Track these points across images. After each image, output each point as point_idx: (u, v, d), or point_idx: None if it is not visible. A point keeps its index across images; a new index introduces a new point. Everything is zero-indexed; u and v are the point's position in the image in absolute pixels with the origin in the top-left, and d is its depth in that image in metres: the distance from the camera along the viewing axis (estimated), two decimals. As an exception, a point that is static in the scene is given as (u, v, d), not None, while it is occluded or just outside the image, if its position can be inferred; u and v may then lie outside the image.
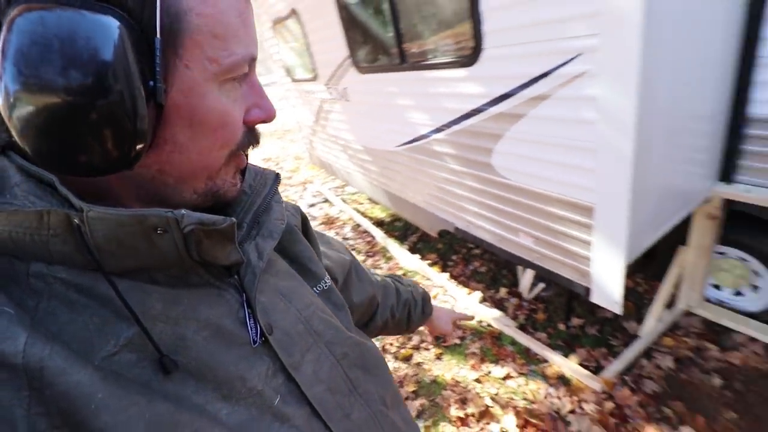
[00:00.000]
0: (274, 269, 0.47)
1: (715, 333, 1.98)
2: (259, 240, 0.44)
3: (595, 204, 1.37)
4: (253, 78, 0.38)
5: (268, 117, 0.39)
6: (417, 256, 3.11)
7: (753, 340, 1.88)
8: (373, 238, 3.58)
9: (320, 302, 0.51)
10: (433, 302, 0.95)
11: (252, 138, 0.39)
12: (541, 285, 1.92)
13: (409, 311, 0.84)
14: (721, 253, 1.95)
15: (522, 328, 2.29)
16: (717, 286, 2.06)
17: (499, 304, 2.50)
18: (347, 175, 3.49)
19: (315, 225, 3.86)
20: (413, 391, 2.07)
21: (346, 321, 0.54)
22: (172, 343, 0.34)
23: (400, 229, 3.65)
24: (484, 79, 1.52)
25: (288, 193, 5.22)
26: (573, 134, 1.33)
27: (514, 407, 1.88)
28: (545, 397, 1.90)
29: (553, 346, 2.13)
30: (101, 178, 0.33)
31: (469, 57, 1.51)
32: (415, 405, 1.98)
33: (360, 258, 3.35)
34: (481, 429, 1.83)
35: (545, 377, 2.00)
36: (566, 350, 2.10)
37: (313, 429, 0.42)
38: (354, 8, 2.10)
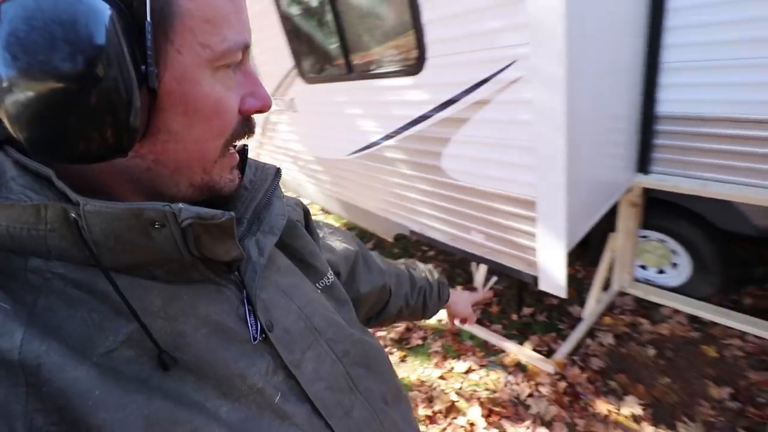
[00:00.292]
0: (275, 265, 0.47)
1: (646, 309, 2.21)
2: (259, 236, 0.43)
3: (537, 198, 1.49)
4: (247, 66, 0.37)
5: (264, 106, 0.38)
6: (374, 263, 3.14)
7: (677, 311, 2.12)
8: (329, 248, 3.56)
9: (322, 299, 0.50)
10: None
11: (247, 127, 0.39)
12: (494, 279, 2.03)
13: (424, 298, 0.83)
14: (644, 237, 2.19)
15: (479, 322, 2.40)
16: (643, 267, 2.31)
17: (456, 302, 2.59)
18: (298, 187, 3.45)
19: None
20: (380, 396, 2.08)
21: (349, 317, 0.54)
22: (171, 339, 0.34)
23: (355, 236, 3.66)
24: (429, 87, 1.61)
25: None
26: (513, 135, 1.45)
27: (478, 399, 1.96)
28: (505, 385, 2.00)
29: (509, 336, 2.25)
30: (97, 171, 0.33)
31: (415, 66, 1.59)
32: (383, 409, 1.99)
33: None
34: (449, 424, 1.89)
35: (504, 366, 2.10)
36: (520, 338, 2.23)
37: (314, 427, 0.42)
38: (298, 19, 2.12)
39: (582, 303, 2.26)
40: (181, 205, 0.31)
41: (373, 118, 1.97)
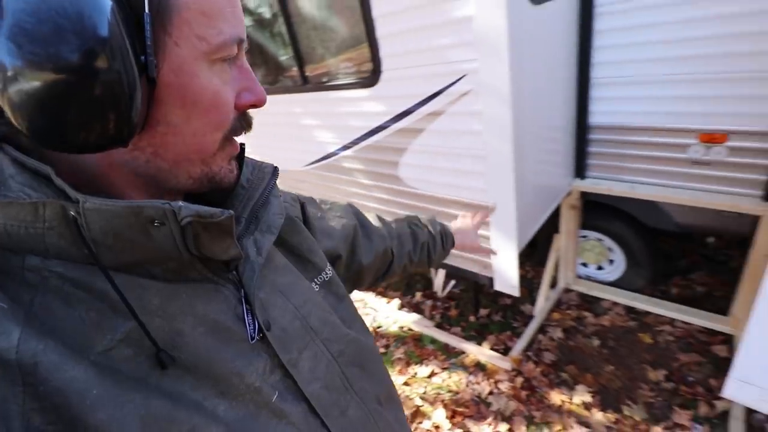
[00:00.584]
0: (273, 264, 0.47)
1: (589, 303, 2.39)
2: (257, 235, 0.43)
3: (489, 202, 1.58)
4: (243, 62, 0.38)
5: (259, 101, 0.38)
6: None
7: (615, 304, 2.32)
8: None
9: (319, 298, 0.50)
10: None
11: (244, 122, 0.39)
12: (452, 282, 2.11)
13: (428, 252, 0.83)
14: (584, 237, 2.38)
15: (439, 326, 2.46)
16: (584, 264, 2.50)
17: (416, 308, 2.65)
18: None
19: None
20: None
21: (346, 313, 0.54)
22: (169, 338, 0.34)
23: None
24: (385, 99, 1.66)
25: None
26: (466, 144, 1.54)
27: (442, 401, 2.01)
28: (467, 385, 2.07)
29: (468, 338, 2.33)
30: (96, 166, 0.33)
31: (370, 78, 1.64)
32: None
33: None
34: (415, 429, 1.91)
35: (465, 367, 2.17)
36: (479, 339, 2.32)
37: (310, 426, 0.42)
38: (250, 30, 2.10)
39: (533, 301, 2.40)
40: (180, 203, 0.32)
41: (329, 129, 2.00)
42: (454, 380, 2.11)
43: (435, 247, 0.85)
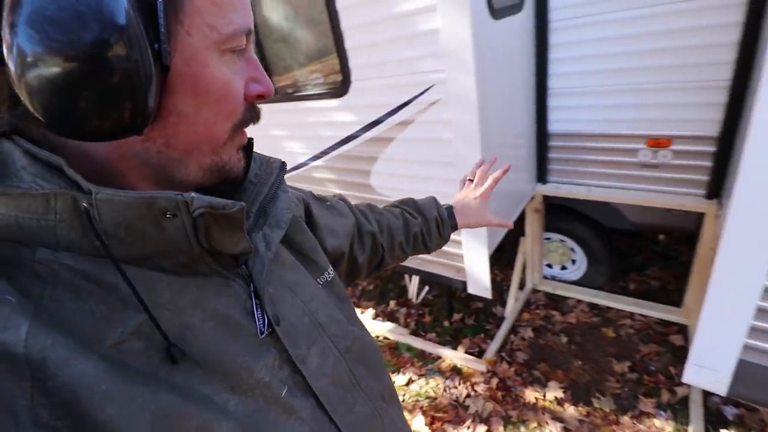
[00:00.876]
0: (281, 260, 0.47)
1: (555, 302, 2.49)
2: (266, 230, 0.43)
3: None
4: (250, 53, 0.38)
5: (267, 92, 0.39)
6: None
7: (580, 301, 2.43)
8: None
9: (324, 295, 0.50)
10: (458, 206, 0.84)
11: (253, 113, 0.39)
12: (426, 288, 2.14)
13: (423, 240, 0.79)
14: (547, 239, 2.49)
15: (414, 333, 2.48)
16: (549, 265, 2.61)
17: (390, 316, 2.65)
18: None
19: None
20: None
21: (349, 313, 0.54)
22: (179, 332, 0.34)
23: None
24: (355, 109, 1.68)
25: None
26: (436, 151, 1.58)
27: (421, 408, 2.01)
28: (445, 390, 2.09)
29: (443, 343, 2.36)
30: (108, 157, 0.33)
31: (340, 89, 1.65)
32: None
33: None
34: (395, 438, 1.90)
35: (441, 372, 2.19)
36: (454, 343, 2.35)
37: (318, 422, 0.42)
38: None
39: (503, 303, 2.47)
40: (193, 194, 0.32)
41: (300, 139, 1.98)
42: (432, 386, 2.12)
43: (430, 234, 0.80)
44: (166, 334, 0.32)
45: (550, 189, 2.11)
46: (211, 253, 0.36)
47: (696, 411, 1.71)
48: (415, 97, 1.51)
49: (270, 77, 1.68)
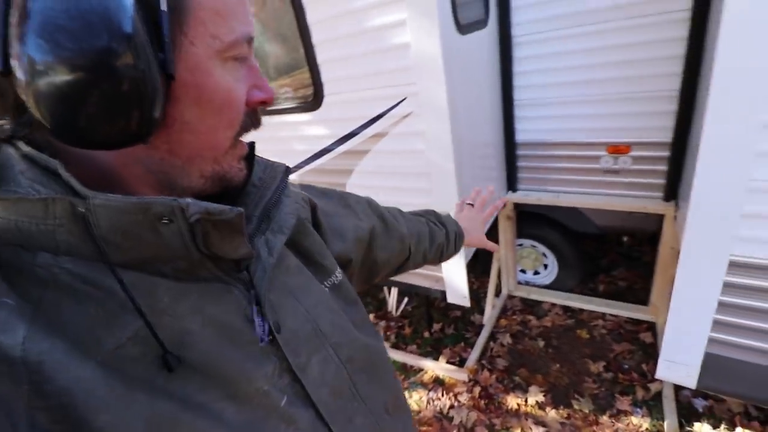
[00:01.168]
0: (284, 265, 0.45)
1: (531, 307, 2.54)
2: (269, 235, 0.43)
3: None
4: (252, 60, 0.38)
5: (268, 98, 0.39)
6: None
7: (554, 305, 2.49)
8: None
9: (330, 300, 0.49)
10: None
11: (254, 120, 0.39)
12: (405, 300, 2.13)
13: (441, 252, 0.83)
14: (520, 245, 2.55)
15: (395, 346, 2.45)
16: (523, 271, 2.67)
17: (369, 331, 2.61)
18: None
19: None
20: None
21: (357, 317, 0.53)
22: (178, 337, 0.33)
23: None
24: (328, 122, 1.68)
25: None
26: (410, 163, 1.59)
27: (405, 422, 1.98)
28: (428, 403, 2.07)
29: (424, 354, 2.35)
30: (111, 163, 0.33)
31: (313, 102, 1.65)
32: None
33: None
34: (380, 456, 1.85)
35: (424, 384, 2.17)
36: (435, 354, 2.34)
37: None
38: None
39: (481, 311, 2.50)
40: (189, 200, 0.31)
41: (272, 153, 1.93)
42: (415, 399, 2.10)
43: (448, 246, 0.84)
44: (165, 339, 0.32)
45: (520, 196, 2.17)
46: (211, 258, 0.36)
47: (669, 406, 1.77)
48: (389, 110, 1.52)
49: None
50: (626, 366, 2.03)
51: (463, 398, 2.04)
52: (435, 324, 2.54)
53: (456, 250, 0.88)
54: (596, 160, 1.94)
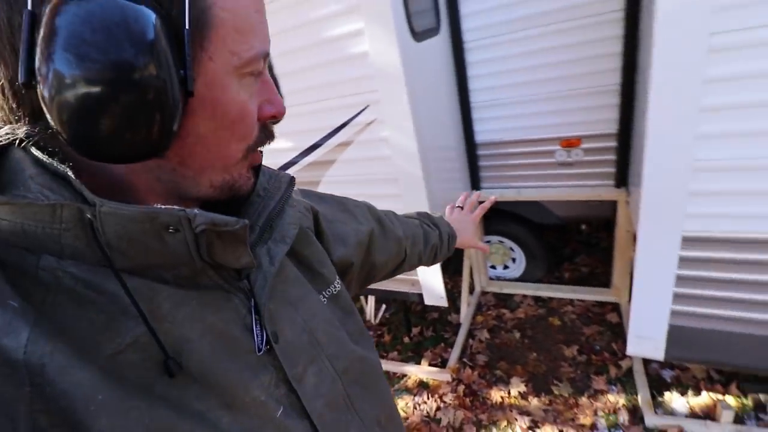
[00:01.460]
0: (284, 275, 0.45)
1: (504, 300, 2.61)
2: (271, 244, 0.43)
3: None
4: (266, 75, 0.39)
5: (279, 113, 0.39)
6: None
7: (525, 296, 2.57)
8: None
9: (327, 312, 0.49)
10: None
11: (267, 133, 0.40)
12: (383, 307, 2.12)
13: (435, 253, 0.84)
14: (487, 241, 2.62)
15: (375, 355, 2.43)
16: (493, 267, 2.75)
17: (348, 343, 2.58)
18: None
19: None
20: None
21: (354, 328, 0.53)
22: (177, 345, 0.33)
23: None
24: (291, 135, 1.65)
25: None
26: (377, 169, 1.60)
27: (393, 430, 1.96)
28: (415, 408, 2.06)
29: (406, 359, 2.34)
30: (123, 171, 0.33)
31: (274, 116, 1.62)
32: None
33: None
34: (372, 468, 1.82)
35: (409, 390, 2.17)
36: (416, 358, 2.34)
37: None
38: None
39: (457, 310, 2.54)
40: (196, 210, 0.32)
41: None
42: (401, 406, 2.08)
43: (441, 247, 0.86)
44: (165, 346, 0.32)
45: (484, 194, 2.24)
46: (213, 266, 0.36)
47: (641, 380, 1.87)
48: (352, 118, 1.53)
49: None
50: (597, 347, 2.13)
51: (449, 398, 2.05)
52: (414, 328, 2.55)
53: (449, 251, 0.89)
54: (551, 155, 2.05)
